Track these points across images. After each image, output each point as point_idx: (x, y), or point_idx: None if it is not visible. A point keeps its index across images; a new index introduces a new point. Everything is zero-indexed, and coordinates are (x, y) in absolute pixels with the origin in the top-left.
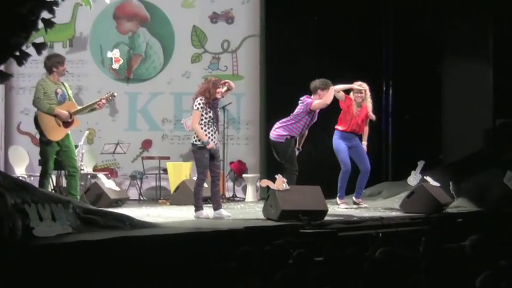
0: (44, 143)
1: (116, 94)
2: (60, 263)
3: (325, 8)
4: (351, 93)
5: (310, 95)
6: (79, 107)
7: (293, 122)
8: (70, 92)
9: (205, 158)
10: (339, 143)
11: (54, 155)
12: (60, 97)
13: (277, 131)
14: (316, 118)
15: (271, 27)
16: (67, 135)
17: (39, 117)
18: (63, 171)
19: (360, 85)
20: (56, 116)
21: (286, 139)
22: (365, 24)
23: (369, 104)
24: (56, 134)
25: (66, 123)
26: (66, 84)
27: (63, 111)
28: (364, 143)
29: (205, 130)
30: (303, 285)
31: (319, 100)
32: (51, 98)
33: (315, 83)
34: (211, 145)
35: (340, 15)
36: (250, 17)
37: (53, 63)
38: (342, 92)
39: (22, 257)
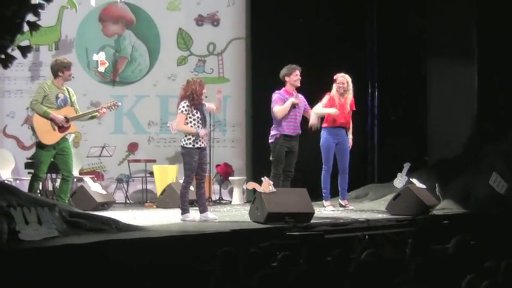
0: (38, 146)
1: (119, 104)
2: (46, 266)
3: (310, 10)
4: (333, 87)
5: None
6: (79, 113)
7: (278, 120)
8: (74, 98)
9: (194, 161)
10: (327, 140)
11: (49, 159)
12: (61, 102)
13: (271, 132)
14: (302, 103)
15: (257, 29)
16: (65, 140)
17: (35, 120)
18: (49, 175)
19: (343, 76)
20: (51, 120)
21: (276, 138)
22: (350, 26)
23: (350, 95)
24: (49, 137)
25: (62, 128)
26: (70, 89)
27: (58, 116)
28: (350, 137)
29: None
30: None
31: (278, 108)
32: (51, 102)
33: (282, 71)
34: (202, 132)
35: (325, 18)
36: (236, 19)
37: (59, 68)
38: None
39: (8, 260)
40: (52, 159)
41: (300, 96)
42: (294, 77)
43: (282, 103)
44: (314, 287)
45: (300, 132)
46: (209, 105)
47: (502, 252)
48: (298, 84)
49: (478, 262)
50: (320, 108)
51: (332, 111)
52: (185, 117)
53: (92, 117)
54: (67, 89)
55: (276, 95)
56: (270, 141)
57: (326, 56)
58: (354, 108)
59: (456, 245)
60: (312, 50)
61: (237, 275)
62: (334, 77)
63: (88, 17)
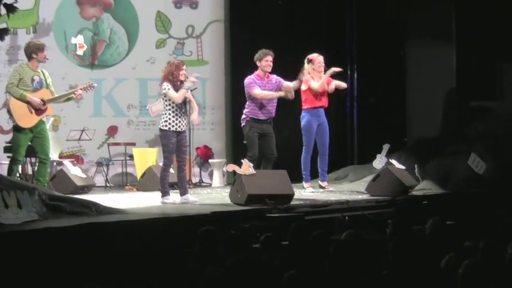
0: (16, 129)
1: (95, 85)
2: (26, 250)
3: None
4: (307, 68)
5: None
6: (55, 95)
7: (248, 104)
8: (49, 80)
9: (171, 143)
10: (309, 122)
11: (26, 142)
12: (37, 84)
13: (242, 116)
14: (274, 83)
15: (236, 11)
16: (41, 122)
17: (11, 103)
18: (28, 159)
19: (319, 56)
20: (28, 102)
21: (246, 122)
22: (329, 8)
23: (323, 75)
24: (27, 120)
25: (39, 111)
26: (45, 72)
27: (35, 99)
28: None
29: (173, 116)
30: (269, 269)
31: (259, 91)
32: (26, 85)
33: (255, 55)
34: (192, 80)
35: (304, 0)
36: (214, 1)
37: (33, 50)
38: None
39: None
40: (29, 143)
41: (274, 77)
42: (264, 62)
43: (256, 86)
44: (296, 267)
45: (272, 115)
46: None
47: (480, 232)
48: (268, 70)
49: (456, 242)
50: (315, 83)
51: (327, 75)
52: (176, 92)
53: (68, 99)
54: (42, 72)
55: (248, 79)
56: (242, 124)
57: (305, 38)
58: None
59: (432, 226)
60: (291, 32)
61: (217, 254)
62: (310, 58)
63: (66, 0)
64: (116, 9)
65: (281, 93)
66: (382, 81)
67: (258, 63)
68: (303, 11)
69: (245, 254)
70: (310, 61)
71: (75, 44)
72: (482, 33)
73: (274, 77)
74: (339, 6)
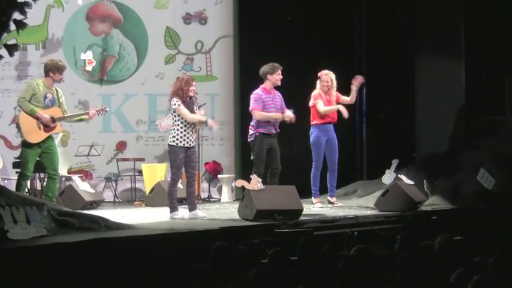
0: (24, 144)
1: (108, 109)
2: (35, 265)
3: (298, 8)
4: (317, 84)
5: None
6: (66, 114)
7: (257, 119)
8: (62, 99)
9: (179, 159)
10: (318, 137)
11: (35, 158)
12: (49, 102)
13: (249, 131)
14: (279, 100)
15: (245, 27)
16: (50, 139)
17: (21, 118)
18: (37, 174)
19: (327, 74)
20: (37, 118)
21: (255, 137)
22: (338, 24)
23: (334, 92)
24: (34, 136)
25: (48, 128)
26: (59, 90)
27: (44, 115)
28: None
29: (182, 131)
30: (278, 284)
31: (260, 113)
32: (38, 101)
33: (263, 68)
34: (210, 123)
35: (313, 15)
36: (223, 17)
37: (51, 68)
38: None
39: None
40: (38, 158)
41: (278, 94)
42: (276, 76)
43: (260, 106)
44: (305, 283)
45: (278, 130)
46: (200, 113)
47: (490, 247)
48: (280, 84)
49: (466, 257)
50: (323, 107)
51: (336, 108)
52: (186, 108)
53: (80, 120)
54: (56, 90)
55: (253, 97)
56: (249, 140)
57: (314, 54)
58: (339, 101)
59: (442, 241)
60: (300, 47)
61: (229, 270)
62: (319, 75)
63: (75, 16)
64: (125, 25)
65: (280, 117)
66: (391, 96)
67: (268, 77)
68: (311, 27)
69: (254, 269)
70: (318, 77)
71: (84, 60)
72: (491, 48)
73: (278, 93)
74: (348, 22)
